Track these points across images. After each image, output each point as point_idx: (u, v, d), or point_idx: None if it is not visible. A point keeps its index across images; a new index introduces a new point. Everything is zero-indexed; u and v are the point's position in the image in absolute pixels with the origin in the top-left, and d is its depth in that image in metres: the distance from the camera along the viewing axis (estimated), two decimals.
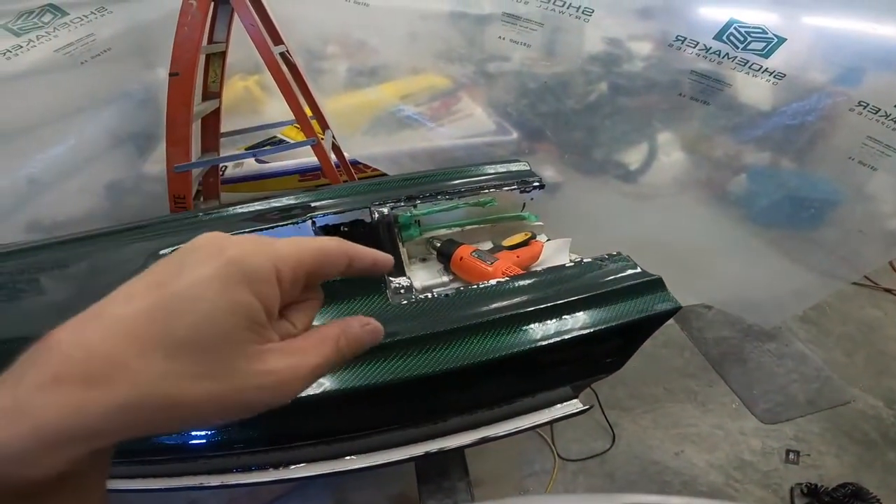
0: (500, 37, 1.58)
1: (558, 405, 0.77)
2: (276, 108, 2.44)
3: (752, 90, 1.45)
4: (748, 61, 1.40)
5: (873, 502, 1.48)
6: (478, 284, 0.77)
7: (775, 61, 1.38)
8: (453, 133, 2.18)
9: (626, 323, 0.72)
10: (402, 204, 1.03)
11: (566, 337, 0.69)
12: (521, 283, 0.77)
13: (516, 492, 1.52)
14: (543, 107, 1.91)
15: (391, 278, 0.78)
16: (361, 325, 0.31)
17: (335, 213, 0.95)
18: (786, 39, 1.36)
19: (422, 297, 0.74)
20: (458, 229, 1.10)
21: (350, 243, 0.31)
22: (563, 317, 0.72)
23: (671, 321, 2.01)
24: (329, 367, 0.29)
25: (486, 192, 1.09)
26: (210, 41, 1.71)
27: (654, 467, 1.60)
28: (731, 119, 1.54)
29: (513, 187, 1.11)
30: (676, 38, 1.43)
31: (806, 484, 1.54)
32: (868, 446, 1.67)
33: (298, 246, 0.29)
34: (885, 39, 1.38)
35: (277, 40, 1.81)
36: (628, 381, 1.85)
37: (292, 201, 1.04)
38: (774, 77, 1.41)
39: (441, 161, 2.07)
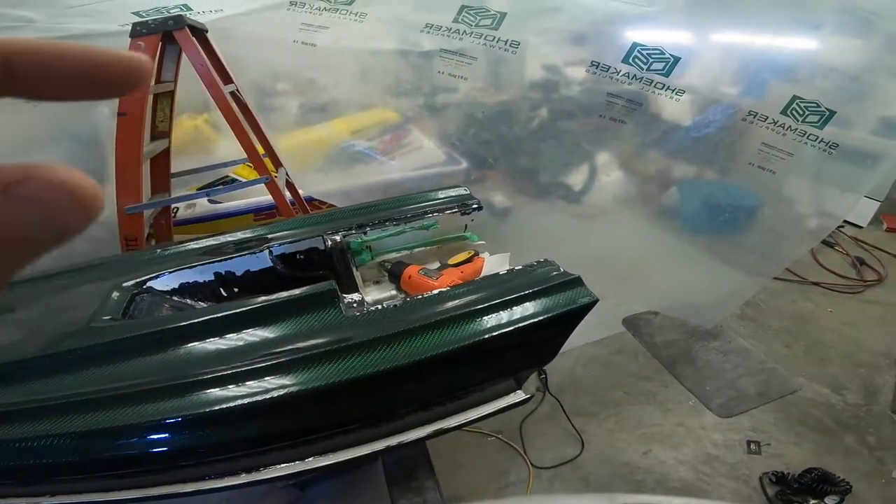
0: (439, 71, 1.79)
1: (504, 396, 0.91)
2: (228, 147, 2.54)
3: (663, 107, 1.71)
4: (653, 80, 1.66)
5: (842, 485, 1.59)
6: (422, 294, 0.91)
7: (675, 79, 1.64)
8: (405, 165, 2.36)
9: (552, 316, 0.88)
10: (353, 231, 1.17)
11: (501, 331, 0.84)
12: (461, 290, 0.92)
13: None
14: (489, 135, 2.13)
15: (344, 295, 0.90)
16: (3, 189, 0.15)
17: (290, 243, 1.07)
18: (680, 58, 1.63)
19: (372, 308, 0.87)
20: (408, 252, 1.25)
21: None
22: (497, 314, 0.87)
23: (623, 329, 2.22)
24: None
25: (429, 216, 1.25)
26: (158, 80, 1.82)
27: (625, 468, 1.73)
28: (647, 136, 1.79)
29: (454, 210, 1.28)
30: (592, 62, 1.68)
31: (773, 472, 1.66)
32: (824, 432, 1.85)
33: None
34: (774, 51, 1.67)
35: (227, 79, 1.94)
36: (589, 388, 2.01)
37: (248, 234, 1.16)
38: (676, 94, 1.68)
39: (394, 193, 2.23)
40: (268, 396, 0.71)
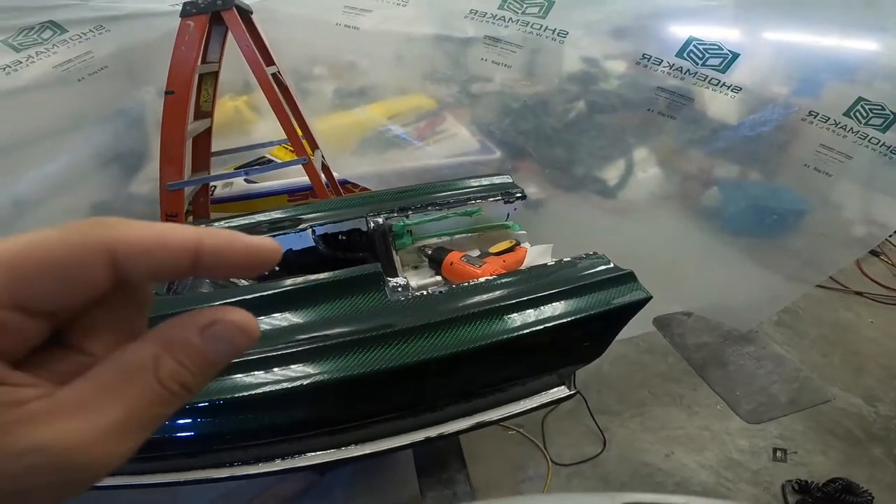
0: (482, 58, 1.73)
1: (547, 391, 0.86)
2: (266, 129, 2.55)
3: (713, 104, 1.61)
4: (708, 76, 1.56)
5: (865, 496, 1.53)
6: (468, 282, 0.87)
7: (732, 76, 1.54)
8: (439, 152, 2.31)
9: (602, 311, 0.83)
10: (396, 214, 1.13)
11: (548, 324, 0.79)
12: (507, 279, 0.87)
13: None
14: (525, 125, 2.05)
15: (389, 278, 0.87)
16: (201, 330, 0.20)
17: (334, 223, 1.04)
18: (739, 55, 1.52)
19: (417, 293, 0.83)
20: (448, 238, 1.20)
21: (187, 227, 0.20)
22: (545, 307, 0.82)
23: (653, 329, 2.14)
24: (157, 413, 0.19)
25: (472, 203, 1.20)
26: (203, 61, 1.81)
27: (645, 469, 1.67)
28: (695, 132, 1.70)
29: (497, 198, 1.22)
30: (643, 56, 1.59)
31: (797, 480, 1.60)
32: (853, 443, 1.77)
33: (19, 243, 0.18)
34: (836, 51, 1.56)
35: (269, 61, 1.92)
36: (615, 386, 1.94)
37: (289, 213, 1.13)
38: (732, 91, 1.58)
39: (428, 179, 2.18)
40: (309, 381, 0.68)
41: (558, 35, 1.61)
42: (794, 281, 1.89)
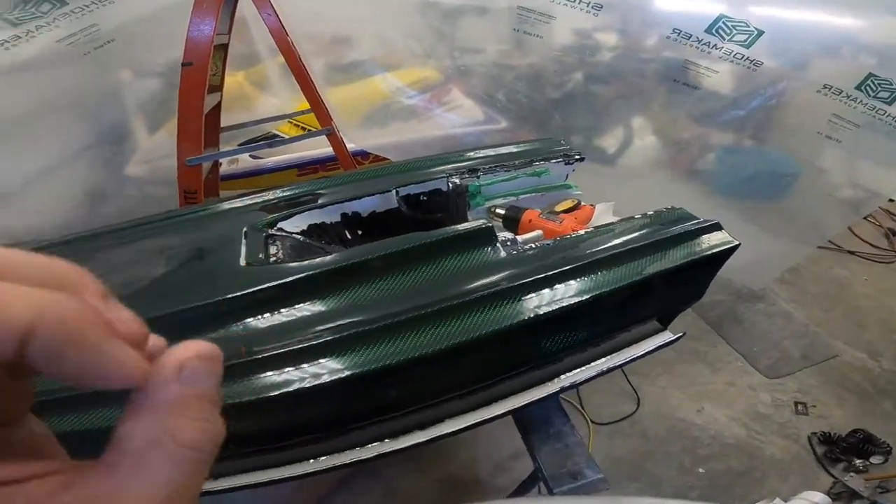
0: (514, 28, 1.75)
1: (652, 338, 0.93)
2: (269, 104, 2.49)
3: (735, 76, 1.72)
4: (732, 51, 1.66)
5: (884, 447, 1.68)
6: (569, 234, 0.91)
7: (755, 51, 1.65)
8: (448, 122, 2.33)
9: (699, 258, 0.89)
10: (467, 175, 1.16)
11: (662, 269, 0.86)
12: (605, 232, 0.92)
13: None
14: (523, 97, 2.10)
15: (499, 234, 0.90)
16: (181, 381, 0.18)
17: (417, 183, 1.05)
18: (764, 32, 1.63)
19: (527, 247, 0.87)
20: (514, 198, 1.24)
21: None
22: (652, 255, 0.88)
23: None
24: (200, 480, 0.18)
25: (538, 164, 1.24)
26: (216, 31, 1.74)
27: (680, 424, 1.79)
28: (717, 102, 1.81)
29: (558, 160, 1.27)
30: (673, 30, 1.67)
31: (821, 433, 1.74)
32: (863, 396, 1.93)
33: None
34: (849, 30, 1.67)
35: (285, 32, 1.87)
36: None
37: (313, 186, 1.13)
38: (754, 65, 1.68)
39: (450, 148, 2.20)
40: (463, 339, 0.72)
41: (593, 8, 1.65)
42: (797, 242, 2.05)
